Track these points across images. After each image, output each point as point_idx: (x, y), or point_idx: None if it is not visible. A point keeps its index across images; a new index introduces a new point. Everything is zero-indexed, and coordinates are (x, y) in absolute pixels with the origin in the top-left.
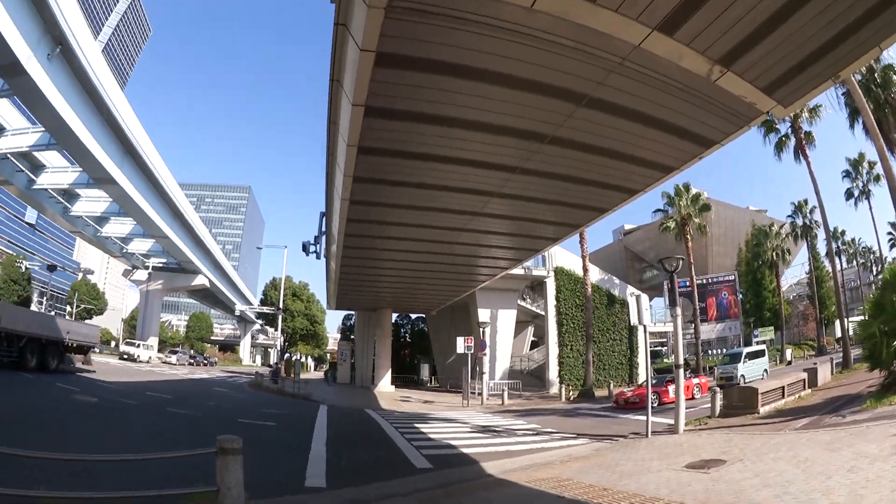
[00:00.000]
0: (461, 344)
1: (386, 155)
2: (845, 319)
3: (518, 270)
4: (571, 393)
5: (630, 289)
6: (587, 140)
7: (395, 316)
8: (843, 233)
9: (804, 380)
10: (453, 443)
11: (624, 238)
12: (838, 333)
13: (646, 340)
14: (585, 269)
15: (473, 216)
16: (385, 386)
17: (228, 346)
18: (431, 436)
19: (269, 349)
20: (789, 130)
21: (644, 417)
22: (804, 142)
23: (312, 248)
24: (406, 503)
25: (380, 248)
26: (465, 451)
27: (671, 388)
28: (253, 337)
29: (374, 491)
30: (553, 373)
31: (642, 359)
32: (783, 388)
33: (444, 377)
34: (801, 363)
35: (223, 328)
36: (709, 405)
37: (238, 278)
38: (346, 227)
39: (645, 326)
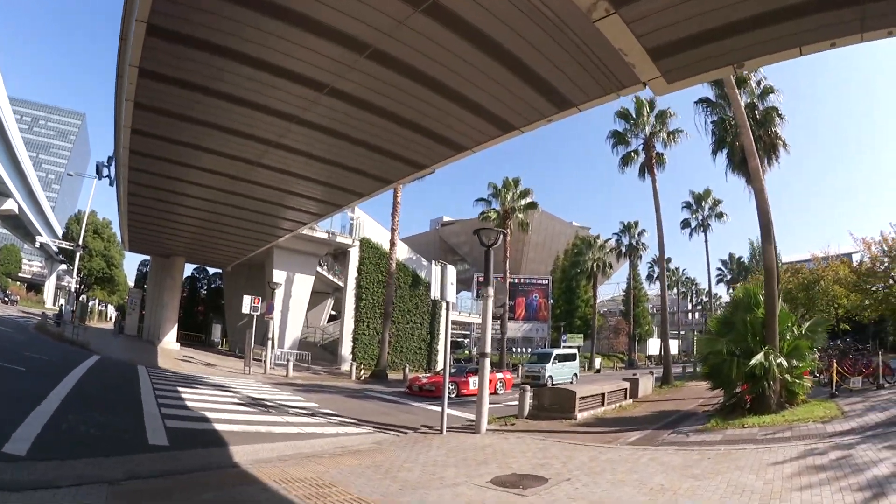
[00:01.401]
0: (247, 303)
1: (179, 42)
2: (668, 339)
3: (321, 234)
4: (363, 372)
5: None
6: (418, 65)
7: (193, 269)
8: (668, 260)
9: (626, 389)
10: (211, 415)
11: (441, 229)
12: (650, 350)
13: (447, 319)
14: (393, 243)
15: (270, 148)
16: (170, 343)
17: (35, 286)
18: (190, 404)
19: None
20: (640, 147)
21: (440, 408)
22: (654, 161)
23: (106, 172)
24: (97, 495)
25: (170, 177)
26: (220, 427)
27: (472, 379)
28: (59, 278)
29: (78, 470)
30: (346, 349)
31: (443, 346)
32: (604, 395)
33: (234, 340)
34: (610, 373)
35: (31, 265)
36: (514, 403)
37: (49, 209)
38: (131, 141)
39: (448, 303)
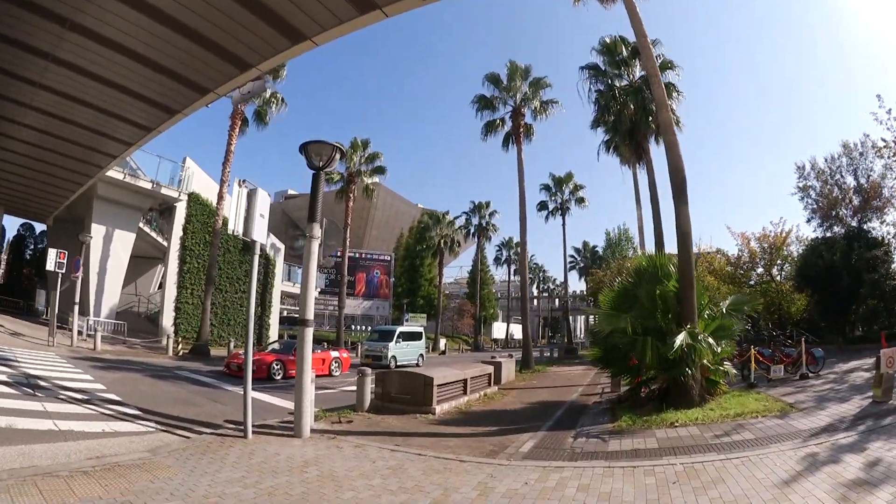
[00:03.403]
0: (52, 259)
1: None
2: (527, 321)
3: (145, 184)
4: (182, 347)
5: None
6: None
7: (20, 225)
8: (517, 244)
9: (490, 375)
10: None
11: (284, 202)
12: (495, 334)
13: (254, 267)
14: (220, 196)
15: (67, 31)
16: None
17: None
18: None
19: None
20: (508, 116)
21: (262, 394)
22: (522, 131)
23: None
24: None
25: None
26: None
27: None
28: None
29: None
30: (168, 319)
31: (275, 318)
32: (466, 381)
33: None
34: (456, 355)
35: None
36: (352, 389)
37: None
38: None
39: (255, 242)
